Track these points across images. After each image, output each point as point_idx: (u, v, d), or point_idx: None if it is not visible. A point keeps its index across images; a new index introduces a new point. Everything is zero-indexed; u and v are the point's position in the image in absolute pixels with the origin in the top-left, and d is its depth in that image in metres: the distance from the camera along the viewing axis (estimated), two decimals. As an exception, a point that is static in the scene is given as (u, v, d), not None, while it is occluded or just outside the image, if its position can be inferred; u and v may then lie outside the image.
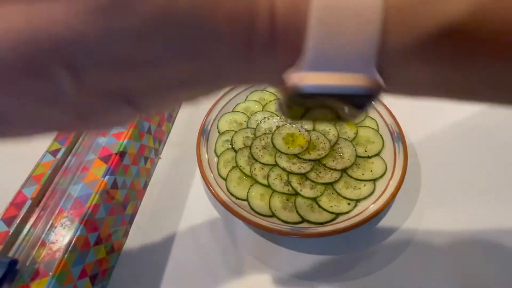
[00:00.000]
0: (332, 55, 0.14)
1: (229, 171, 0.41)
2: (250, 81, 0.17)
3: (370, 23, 0.14)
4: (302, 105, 0.17)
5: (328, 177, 0.40)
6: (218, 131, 0.45)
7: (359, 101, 0.16)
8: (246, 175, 0.40)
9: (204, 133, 0.44)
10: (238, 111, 0.47)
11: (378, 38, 0.14)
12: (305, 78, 0.15)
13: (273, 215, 0.37)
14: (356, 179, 0.39)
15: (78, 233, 0.30)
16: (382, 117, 0.45)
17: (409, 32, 0.14)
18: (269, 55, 0.15)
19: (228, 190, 0.39)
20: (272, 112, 0.47)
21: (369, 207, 0.36)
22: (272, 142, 0.43)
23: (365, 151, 0.42)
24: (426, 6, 0.14)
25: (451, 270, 0.34)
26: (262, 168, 0.41)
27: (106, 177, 0.34)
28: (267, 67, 0.16)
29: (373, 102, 0.16)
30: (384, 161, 0.41)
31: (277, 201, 0.38)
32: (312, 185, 0.39)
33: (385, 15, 0.14)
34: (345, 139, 0.43)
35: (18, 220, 0.30)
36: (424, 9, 0.14)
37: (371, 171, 0.40)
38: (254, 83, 0.18)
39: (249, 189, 0.39)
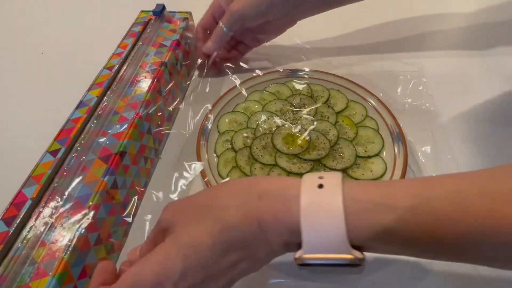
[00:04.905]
0: (319, 243, 0.23)
1: (229, 171, 0.41)
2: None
3: (338, 227, 0.23)
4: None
5: (328, 177, 0.40)
6: (218, 131, 0.45)
7: (348, 266, 0.24)
8: (246, 175, 0.40)
9: (204, 133, 0.44)
10: (238, 111, 0.47)
11: (345, 234, 0.22)
12: (305, 256, 0.24)
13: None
14: (356, 179, 0.39)
15: (78, 233, 0.30)
16: (382, 117, 0.45)
17: (360, 230, 0.23)
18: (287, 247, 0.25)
19: None
20: (272, 112, 0.47)
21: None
22: (272, 142, 0.43)
23: (365, 151, 0.42)
24: (367, 214, 0.23)
25: (451, 270, 0.34)
26: (262, 168, 0.41)
27: (106, 177, 0.34)
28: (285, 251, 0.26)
29: (361, 266, 0.24)
30: (384, 161, 0.41)
31: (277, 201, 0.38)
32: (312, 185, 0.39)
33: (346, 219, 0.22)
34: (345, 139, 0.43)
35: (18, 220, 0.30)
36: (367, 216, 0.23)
37: (371, 171, 0.40)
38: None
39: (249, 189, 0.39)
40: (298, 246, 0.24)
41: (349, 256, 0.23)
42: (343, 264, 0.24)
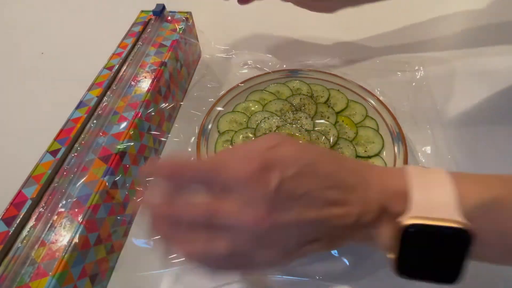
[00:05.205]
0: (428, 203, 0.23)
1: (229, 171, 0.41)
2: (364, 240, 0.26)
3: (450, 188, 0.23)
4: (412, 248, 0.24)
5: (328, 177, 0.40)
6: (218, 131, 0.45)
7: (456, 244, 0.23)
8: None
9: (204, 133, 0.44)
10: (238, 111, 0.47)
11: (457, 196, 0.23)
12: (410, 221, 0.23)
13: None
14: (356, 179, 0.39)
15: (78, 233, 0.30)
16: (382, 117, 0.45)
17: (470, 196, 0.23)
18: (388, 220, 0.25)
19: None
20: (272, 112, 0.47)
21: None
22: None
23: (365, 151, 0.42)
24: (476, 185, 0.24)
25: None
26: (262, 168, 0.41)
27: (106, 177, 0.34)
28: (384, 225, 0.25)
29: (468, 247, 0.22)
30: (384, 161, 0.41)
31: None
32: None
33: (456, 184, 0.23)
34: (345, 139, 0.43)
35: (18, 220, 0.30)
36: (475, 186, 0.24)
37: (371, 171, 0.40)
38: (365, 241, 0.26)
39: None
40: (394, 217, 0.24)
41: (458, 220, 0.22)
42: (448, 236, 0.23)
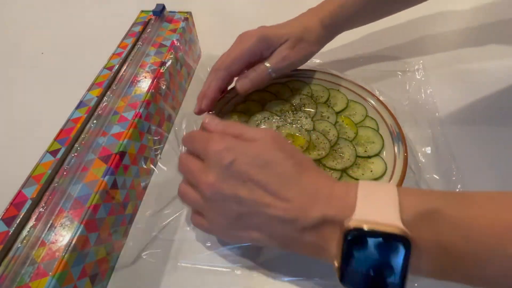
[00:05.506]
0: (371, 208, 0.25)
1: (229, 171, 0.41)
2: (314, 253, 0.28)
3: (393, 199, 0.25)
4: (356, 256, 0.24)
5: (328, 177, 0.40)
6: (218, 131, 0.45)
7: (396, 250, 0.23)
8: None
9: (204, 133, 0.44)
10: (238, 111, 0.47)
11: (398, 205, 0.24)
12: (353, 223, 0.24)
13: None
14: (356, 179, 0.39)
15: (78, 233, 0.30)
16: (382, 117, 0.45)
17: (409, 206, 0.24)
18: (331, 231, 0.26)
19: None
20: (272, 112, 0.47)
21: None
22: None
23: (365, 151, 0.42)
24: (417, 198, 0.26)
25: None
26: (262, 168, 0.41)
27: (106, 177, 0.34)
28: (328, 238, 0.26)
29: (408, 254, 0.23)
30: (384, 161, 0.41)
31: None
32: (312, 185, 0.39)
33: (399, 194, 0.25)
34: (345, 139, 0.43)
35: (18, 220, 0.30)
36: (416, 198, 0.26)
37: (371, 171, 0.40)
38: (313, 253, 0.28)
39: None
40: (338, 224, 0.25)
41: (398, 225, 0.23)
42: (390, 240, 0.23)
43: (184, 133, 0.47)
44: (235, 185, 0.28)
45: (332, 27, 0.46)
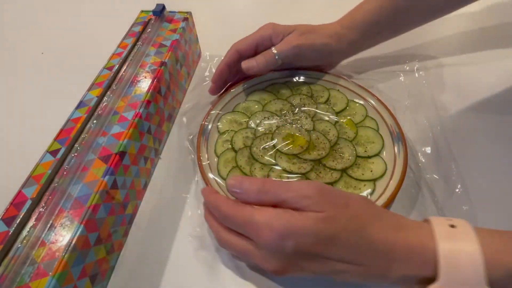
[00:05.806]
0: (456, 276, 0.25)
1: (229, 171, 0.41)
2: None
3: (478, 271, 0.24)
4: None
5: (328, 177, 0.40)
6: (218, 131, 0.45)
7: None
8: (246, 175, 0.40)
9: (204, 133, 0.44)
10: (238, 111, 0.47)
11: (485, 267, 0.24)
12: None
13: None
14: (356, 179, 0.39)
15: (78, 233, 0.30)
16: (382, 117, 0.45)
17: (497, 268, 0.24)
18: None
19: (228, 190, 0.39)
20: (272, 112, 0.47)
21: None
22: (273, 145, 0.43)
23: (365, 151, 0.42)
24: (504, 254, 0.25)
25: None
26: (262, 168, 0.41)
27: (106, 177, 0.34)
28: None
29: None
30: (384, 161, 0.41)
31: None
32: (312, 185, 0.39)
33: (485, 262, 0.24)
34: (345, 139, 0.43)
35: (18, 220, 0.30)
36: (503, 255, 0.25)
37: (371, 171, 0.40)
38: None
39: (249, 189, 0.39)
40: (422, 282, 0.26)
41: None
42: None
43: (184, 133, 0.47)
44: (305, 264, 0.28)
45: (352, 29, 0.47)
